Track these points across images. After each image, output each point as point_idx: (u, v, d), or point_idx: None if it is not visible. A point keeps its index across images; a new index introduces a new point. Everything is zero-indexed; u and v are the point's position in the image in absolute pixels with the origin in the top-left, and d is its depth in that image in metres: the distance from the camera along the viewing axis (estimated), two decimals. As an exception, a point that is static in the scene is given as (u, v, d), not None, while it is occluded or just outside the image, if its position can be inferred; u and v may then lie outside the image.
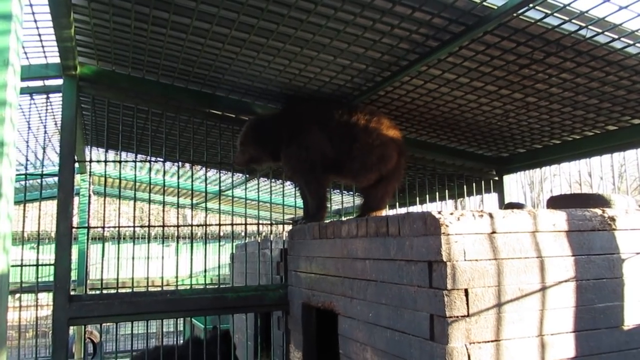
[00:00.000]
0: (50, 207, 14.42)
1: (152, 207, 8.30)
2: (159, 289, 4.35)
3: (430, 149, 5.47)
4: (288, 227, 4.80)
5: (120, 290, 4.33)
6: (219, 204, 5.70)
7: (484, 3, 2.87)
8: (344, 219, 4.63)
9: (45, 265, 5.09)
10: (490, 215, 2.52)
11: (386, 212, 4.67)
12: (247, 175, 6.10)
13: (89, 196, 5.59)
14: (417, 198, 6.58)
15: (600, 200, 3.14)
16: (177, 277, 4.64)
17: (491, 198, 6.03)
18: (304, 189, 4.24)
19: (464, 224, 2.45)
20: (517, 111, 4.31)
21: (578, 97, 3.88)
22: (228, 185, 7.01)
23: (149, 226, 4.35)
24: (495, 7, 2.88)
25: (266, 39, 3.45)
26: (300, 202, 4.50)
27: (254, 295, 4.28)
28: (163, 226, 4.44)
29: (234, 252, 6.36)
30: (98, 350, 8.81)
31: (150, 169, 4.85)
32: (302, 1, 2.98)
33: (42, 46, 3.92)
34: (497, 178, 5.94)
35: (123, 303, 3.96)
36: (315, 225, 3.74)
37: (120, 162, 4.47)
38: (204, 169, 6.78)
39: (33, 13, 3.49)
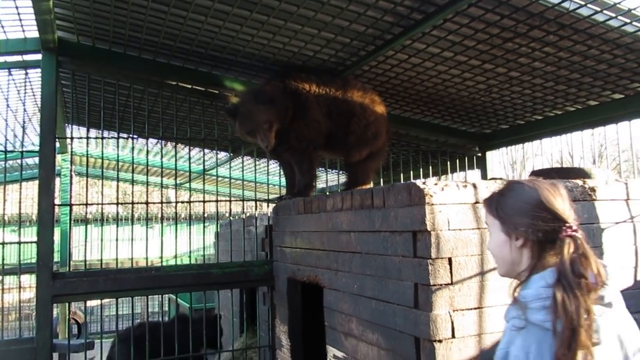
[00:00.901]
0: (30, 190, 14.24)
1: (135, 188, 8.25)
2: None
3: (414, 125, 5.49)
4: (273, 206, 4.80)
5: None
6: (203, 183, 5.66)
7: (468, -26, 2.87)
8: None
9: (28, 242, 5.01)
10: (474, 186, 2.55)
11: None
12: (231, 154, 6.06)
13: (71, 175, 5.51)
14: (401, 175, 6.61)
15: (580, 174, 3.19)
16: (161, 257, 4.62)
17: (474, 175, 6.08)
18: (294, 166, 4.16)
19: (448, 194, 2.47)
20: (500, 86, 4.34)
21: (560, 71, 3.91)
22: (212, 164, 6.97)
23: (132, 203, 4.31)
24: (480, -21, 2.88)
25: (249, 11, 3.41)
26: (284, 180, 4.47)
27: (239, 271, 4.29)
28: (147, 203, 4.39)
29: (218, 230, 6.36)
30: (83, 331, 8.78)
31: (133, 148, 4.80)
32: (286, -28, 2.95)
33: (20, 20, 3.82)
34: (480, 154, 5.99)
35: (107, 280, 3.94)
36: (300, 200, 3.75)
37: (102, 138, 4.41)
38: (187, 147, 6.73)
39: (10, -16, 3.40)
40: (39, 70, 4.13)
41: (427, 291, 2.33)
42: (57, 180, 7.61)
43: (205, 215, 5.01)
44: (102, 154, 4.30)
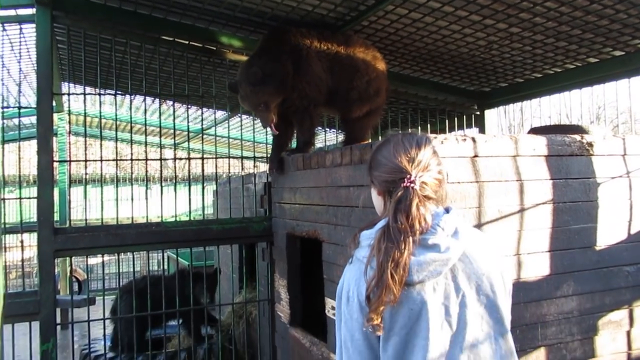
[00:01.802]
0: (27, 151, 14.20)
1: (133, 149, 8.21)
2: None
3: (413, 82, 5.47)
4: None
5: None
6: (202, 142, 5.65)
7: None
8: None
9: (28, 199, 5.03)
10: (473, 140, 2.57)
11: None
12: (229, 112, 6.03)
13: (68, 133, 5.49)
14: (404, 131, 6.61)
15: (579, 130, 3.20)
16: (161, 217, 4.65)
17: (473, 133, 6.09)
18: (295, 124, 4.09)
19: (448, 147, 2.49)
20: (501, 42, 4.30)
21: (561, 27, 3.87)
22: (210, 123, 6.95)
23: (131, 160, 4.31)
24: None
25: (247, -37, 3.34)
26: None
27: (238, 227, 4.34)
28: (146, 160, 4.39)
29: (217, 188, 6.39)
30: (83, 288, 8.90)
31: (130, 105, 4.77)
32: None
33: (12, -28, 3.75)
34: (478, 113, 5.99)
35: (108, 235, 3.99)
36: (299, 156, 3.76)
37: (99, 94, 4.37)
38: (185, 106, 6.69)
39: None
40: (33, 25, 4.06)
41: (425, 242, 2.37)
42: (54, 139, 7.61)
43: (204, 175, 5.02)
44: (100, 111, 4.27)
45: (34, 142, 3.90)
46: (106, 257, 5.93)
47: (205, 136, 7.88)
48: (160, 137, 4.77)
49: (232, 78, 4.28)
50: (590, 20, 3.73)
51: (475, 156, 2.55)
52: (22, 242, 5.08)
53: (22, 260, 5.18)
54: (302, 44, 3.86)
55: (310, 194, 3.58)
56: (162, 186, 4.71)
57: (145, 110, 4.90)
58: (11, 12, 4.23)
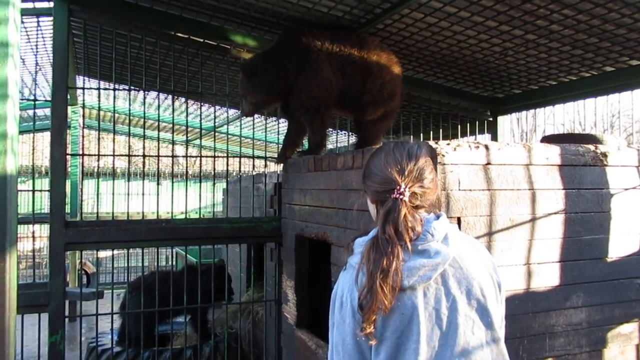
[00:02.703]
0: (40, 143, 14.33)
1: (145, 144, 8.25)
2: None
3: (426, 87, 5.45)
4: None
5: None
6: (214, 139, 5.66)
7: None
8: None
9: (41, 191, 5.08)
10: (486, 147, 2.56)
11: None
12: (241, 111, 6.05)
13: (82, 127, 5.53)
14: (412, 138, 6.59)
15: (593, 140, 3.18)
16: (171, 212, 4.67)
17: (485, 139, 6.06)
18: (305, 124, 4.11)
19: (460, 154, 2.48)
20: (516, 49, 4.27)
21: (578, 35, 3.84)
22: (222, 121, 6.97)
23: (143, 156, 4.34)
24: None
25: (264, -36, 3.35)
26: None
27: (248, 227, 4.35)
28: (158, 156, 4.42)
29: (227, 187, 6.41)
30: (92, 281, 8.97)
31: (144, 101, 4.81)
32: None
33: (31, -34, 3.79)
34: (491, 119, 5.96)
35: (119, 230, 4.02)
36: (310, 158, 3.76)
37: (114, 89, 4.41)
38: (198, 103, 6.71)
39: None
40: (50, 18, 4.10)
41: (435, 249, 2.36)
42: (67, 132, 7.67)
43: (215, 172, 5.04)
44: (114, 107, 4.31)
45: (47, 134, 3.94)
46: (115, 251, 5.97)
47: (217, 134, 7.91)
48: (173, 133, 4.79)
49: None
50: (607, 29, 3.69)
51: (488, 164, 2.54)
52: (33, 233, 5.13)
53: (33, 251, 5.22)
54: (313, 44, 3.87)
55: (320, 196, 3.57)
56: (172, 182, 4.74)
57: (159, 106, 4.91)
58: (29, 5, 4.27)
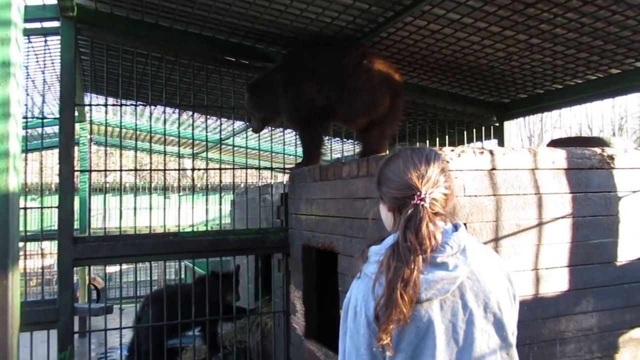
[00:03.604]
0: (49, 160, 14.43)
1: (152, 158, 8.29)
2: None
3: (431, 94, 5.45)
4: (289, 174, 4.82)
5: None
6: (220, 152, 5.69)
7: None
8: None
9: (49, 208, 5.11)
10: (491, 152, 2.55)
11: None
12: (248, 123, 6.07)
13: (89, 143, 5.59)
14: (418, 145, 6.59)
15: (599, 143, 3.15)
16: (178, 226, 4.67)
17: (492, 145, 6.04)
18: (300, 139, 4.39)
19: (465, 160, 2.47)
20: (521, 54, 4.27)
21: (582, 38, 3.83)
22: (229, 133, 7.00)
23: (150, 170, 4.36)
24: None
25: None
26: (300, 150, 4.53)
27: (255, 238, 4.35)
28: (164, 170, 4.44)
29: (234, 199, 6.42)
30: (102, 296, 8.99)
31: (150, 115, 4.84)
32: None
33: (38, -14, 3.84)
34: (497, 124, 5.93)
35: (126, 244, 4.02)
36: (316, 167, 3.77)
37: (120, 105, 4.45)
38: (204, 116, 6.75)
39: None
40: (57, 37, 4.15)
41: (442, 256, 2.35)
42: (76, 148, 7.72)
43: (222, 184, 5.05)
44: (120, 123, 4.34)
45: (56, 151, 3.98)
46: (124, 266, 5.97)
47: (223, 146, 7.94)
48: (179, 146, 4.82)
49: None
50: (612, 32, 3.68)
51: (493, 169, 2.53)
52: (42, 250, 5.15)
53: (42, 268, 5.25)
54: (297, 63, 4.07)
55: (326, 206, 3.57)
56: (179, 196, 4.76)
57: (165, 121, 4.95)
58: (37, 25, 4.32)
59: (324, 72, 4.03)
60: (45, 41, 4.55)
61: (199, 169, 5.04)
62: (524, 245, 2.54)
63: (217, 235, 4.35)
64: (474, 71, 4.80)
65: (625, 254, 2.76)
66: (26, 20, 4.10)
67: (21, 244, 3.98)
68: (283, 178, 4.96)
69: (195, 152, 8.55)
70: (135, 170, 4.32)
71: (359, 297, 1.60)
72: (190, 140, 7.43)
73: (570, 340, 2.57)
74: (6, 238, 2.07)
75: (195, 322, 4.51)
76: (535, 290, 2.54)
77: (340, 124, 4.51)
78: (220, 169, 4.70)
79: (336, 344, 1.66)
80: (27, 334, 3.71)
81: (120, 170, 4.30)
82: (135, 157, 4.81)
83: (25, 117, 5.27)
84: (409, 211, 1.57)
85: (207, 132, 5.14)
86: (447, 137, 5.95)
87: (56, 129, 7.72)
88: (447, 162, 2.41)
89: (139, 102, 5.07)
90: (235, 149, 7.95)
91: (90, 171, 6.41)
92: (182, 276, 9.02)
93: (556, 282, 2.59)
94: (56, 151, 3.97)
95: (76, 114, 4.55)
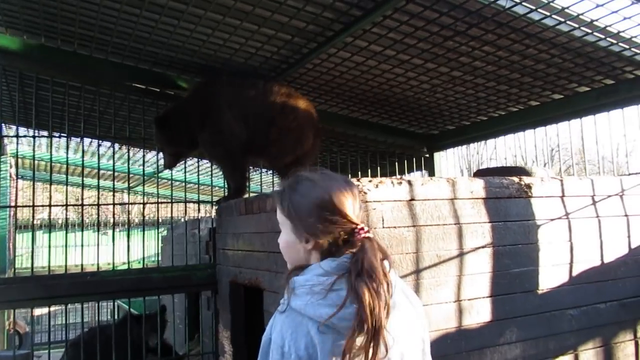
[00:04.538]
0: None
1: (85, 192, 7.91)
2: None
3: (362, 126, 5.46)
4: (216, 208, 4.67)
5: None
6: (143, 185, 5.44)
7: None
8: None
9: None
10: (409, 183, 2.51)
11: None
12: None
13: (17, 177, 5.26)
14: (349, 176, 6.58)
15: (522, 172, 3.20)
16: (112, 264, 4.39)
17: (412, 176, 6.10)
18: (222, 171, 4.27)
19: (383, 191, 2.43)
20: (444, 86, 4.35)
21: (500, 71, 3.94)
22: (155, 167, 6.77)
23: (82, 205, 4.10)
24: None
25: (186, 4, 3.29)
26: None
27: (181, 276, 4.14)
28: (98, 205, 4.20)
29: (164, 235, 6.18)
30: (25, 342, 8.38)
31: (67, 147, 4.59)
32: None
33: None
34: (427, 155, 6.02)
35: (38, 286, 3.73)
36: (241, 200, 3.65)
37: (34, 137, 4.18)
38: (132, 149, 6.50)
39: None
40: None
41: (361, 290, 2.27)
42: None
43: (149, 219, 4.82)
44: (34, 153, 4.09)
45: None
46: (53, 308, 5.56)
47: (153, 179, 7.67)
48: (98, 180, 4.58)
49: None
50: (527, 65, 3.80)
51: (412, 199, 2.49)
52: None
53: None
54: (216, 95, 3.93)
55: (252, 240, 3.44)
56: (113, 232, 4.50)
57: (83, 152, 4.71)
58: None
59: (250, 106, 3.90)
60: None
61: (132, 203, 4.80)
62: (445, 276, 2.50)
63: (139, 274, 4.12)
64: (401, 103, 4.85)
65: (546, 282, 2.77)
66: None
67: None
68: (213, 211, 4.79)
69: (130, 186, 8.22)
70: (66, 205, 4.07)
71: (286, 335, 1.42)
72: (118, 174, 7.14)
73: (493, 373, 2.53)
74: None
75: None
76: (458, 323, 2.49)
77: (265, 161, 4.41)
78: (143, 203, 4.49)
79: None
80: None
81: (50, 206, 4.03)
82: (66, 192, 4.53)
83: None
84: (364, 245, 1.45)
85: (128, 164, 4.91)
86: (378, 168, 5.97)
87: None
88: (365, 193, 2.35)
89: (56, 134, 4.80)
90: (166, 181, 7.72)
91: (9, 207, 6.02)
92: (116, 317, 8.55)
93: (479, 313, 2.56)
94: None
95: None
